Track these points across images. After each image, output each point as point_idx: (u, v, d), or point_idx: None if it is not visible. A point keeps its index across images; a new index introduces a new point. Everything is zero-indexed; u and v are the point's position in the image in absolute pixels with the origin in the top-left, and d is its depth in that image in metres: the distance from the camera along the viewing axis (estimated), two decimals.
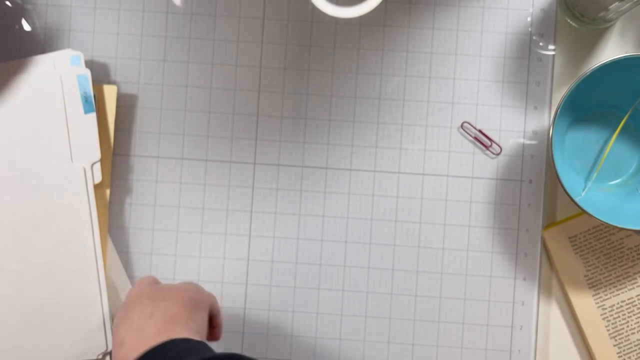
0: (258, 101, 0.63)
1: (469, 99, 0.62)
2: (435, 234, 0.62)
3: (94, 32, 0.63)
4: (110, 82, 0.63)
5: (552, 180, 0.62)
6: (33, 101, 0.60)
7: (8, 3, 0.63)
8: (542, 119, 0.62)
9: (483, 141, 0.62)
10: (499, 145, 0.62)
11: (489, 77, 0.62)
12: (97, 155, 0.60)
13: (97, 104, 0.61)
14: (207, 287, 0.57)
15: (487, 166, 0.62)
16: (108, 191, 0.61)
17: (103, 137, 0.61)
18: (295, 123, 0.63)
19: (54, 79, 0.60)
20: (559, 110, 0.55)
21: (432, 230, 0.62)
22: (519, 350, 0.61)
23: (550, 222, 0.62)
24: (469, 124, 0.62)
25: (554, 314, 0.62)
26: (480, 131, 0.62)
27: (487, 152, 0.62)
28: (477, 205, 0.62)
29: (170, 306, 0.52)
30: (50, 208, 0.59)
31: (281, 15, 0.63)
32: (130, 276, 0.62)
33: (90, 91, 0.60)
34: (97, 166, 0.60)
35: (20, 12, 0.63)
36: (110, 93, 0.61)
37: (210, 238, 0.63)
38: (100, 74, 0.63)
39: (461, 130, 0.62)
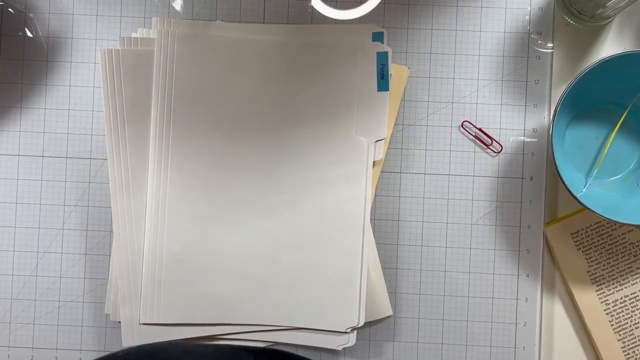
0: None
1: (469, 98, 0.62)
2: (437, 233, 0.62)
3: (96, 40, 0.63)
4: None
5: (553, 177, 0.62)
6: (332, 69, 0.60)
7: (11, 10, 0.64)
8: (542, 117, 0.62)
9: (483, 140, 0.62)
10: (499, 144, 0.62)
11: (488, 76, 0.63)
12: (384, 133, 0.61)
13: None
14: None
15: (488, 164, 0.62)
16: (379, 169, 0.62)
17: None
18: None
19: (353, 51, 0.60)
20: (558, 107, 0.56)
21: (435, 228, 0.62)
22: (524, 347, 0.62)
23: (551, 219, 0.62)
24: (470, 122, 0.62)
25: (557, 310, 0.62)
26: (480, 130, 0.62)
27: (488, 150, 0.63)
28: (479, 203, 0.62)
29: None
30: (327, 177, 0.60)
31: (281, 18, 0.63)
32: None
33: (389, 69, 0.60)
34: (381, 144, 0.61)
35: (23, 19, 0.64)
36: (401, 74, 0.61)
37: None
38: None
39: (462, 129, 0.63)
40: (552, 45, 0.62)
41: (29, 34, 0.64)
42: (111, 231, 0.63)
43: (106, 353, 0.60)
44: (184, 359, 0.49)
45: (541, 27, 0.62)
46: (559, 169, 0.55)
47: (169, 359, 0.49)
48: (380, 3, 0.61)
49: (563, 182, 0.55)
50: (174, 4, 0.63)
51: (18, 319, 0.63)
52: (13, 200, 0.63)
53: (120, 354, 0.50)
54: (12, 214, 0.63)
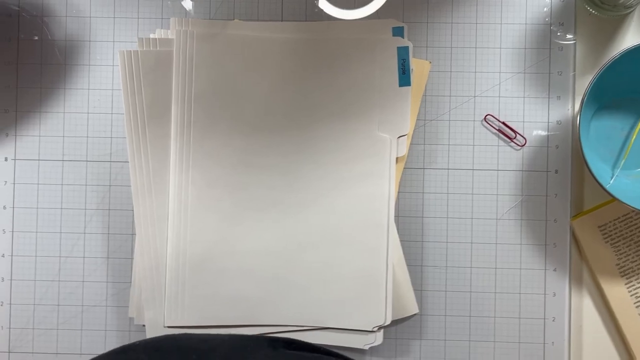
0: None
1: (491, 91, 0.62)
2: (462, 229, 0.62)
3: (114, 42, 0.63)
4: None
5: (578, 169, 0.62)
6: (352, 65, 0.60)
7: (25, 15, 0.63)
8: (566, 109, 0.62)
9: (507, 133, 0.62)
10: (523, 137, 0.62)
11: (510, 68, 0.62)
12: (406, 129, 0.60)
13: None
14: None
15: (512, 158, 0.62)
16: (402, 165, 0.61)
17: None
18: None
19: (373, 47, 0.60)
20: (584, 99, 0.55)
21: (460, 224, 0.62)
22: (553, 342, 0.61)
23: (578, 212, 0.62)
24: (493, 116, 0.62)
25: (586, 304, 0.61)
26: (504, 123, 0.62)
27: (512, 143, 0.62)
28: (504, 197, 0.62)
29: None
30: (349, 174, 0.60)
31: (299, 16, 0.63)
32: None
33: (410, 64, 0.60)
34: (403, 140, 0.60)
35: (39, 24, 0.63)
36: (422, 69, 0.61)
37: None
38: None
39: (485, 123, 0.62)
40: (574, 36, 0.62)
41: (45, 38, 0.63)
42: (133, 234, 0.62)
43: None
44: (202, 347, 0.49)
45: (562, 18, 0.62)
46: (587, 160, 0.54)
47: (186, 346, 0.49)
48: None
49: (592, 174, 0.54)
50: (190, 4, 0.63)
51: (41, 324, 0.63)
52: (34, 205, 0.63)
53: (138, 342, 0.51)
54: (33, 219, 0.63)
